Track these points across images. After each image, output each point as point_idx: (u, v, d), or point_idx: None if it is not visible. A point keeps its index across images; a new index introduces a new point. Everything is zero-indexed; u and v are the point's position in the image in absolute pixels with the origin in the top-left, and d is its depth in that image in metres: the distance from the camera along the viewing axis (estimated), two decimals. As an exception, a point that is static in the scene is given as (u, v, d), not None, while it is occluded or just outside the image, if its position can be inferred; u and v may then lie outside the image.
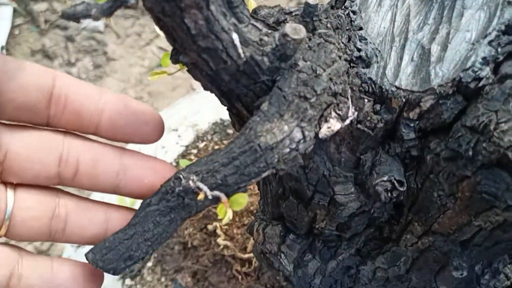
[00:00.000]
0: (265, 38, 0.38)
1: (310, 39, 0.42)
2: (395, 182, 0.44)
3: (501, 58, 0.40)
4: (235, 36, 0.36)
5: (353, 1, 0.47)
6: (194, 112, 0.95)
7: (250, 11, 0.63)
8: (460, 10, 0.43)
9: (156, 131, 0.43)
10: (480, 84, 0.39)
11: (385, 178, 0.45)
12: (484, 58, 0.39)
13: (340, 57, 0.42)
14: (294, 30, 0.37)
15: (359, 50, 0.43)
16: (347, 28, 0.44)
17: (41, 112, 0.38)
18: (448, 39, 0.42)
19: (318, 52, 0.41)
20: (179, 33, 0.35)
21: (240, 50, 0.36)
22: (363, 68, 0.43)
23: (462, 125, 0.40)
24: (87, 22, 1.84)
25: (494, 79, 0.40)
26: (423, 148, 0.45)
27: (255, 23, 0.38)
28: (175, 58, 0.38)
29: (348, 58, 0.43)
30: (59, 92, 0.39)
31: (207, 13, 0.34)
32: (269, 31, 0.39)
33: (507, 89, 0.38)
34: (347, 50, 0.43)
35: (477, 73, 0.39)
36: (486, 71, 0.39)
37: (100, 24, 1.84)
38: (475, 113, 0.39)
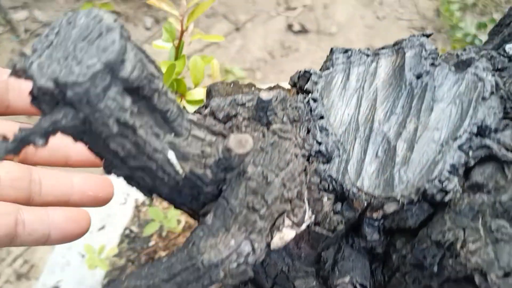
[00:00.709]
0: (208, 150, 0.34)
1: (263, 135, 0.38)
2: (357, 286, 0.41)
3: (472, 163, 0.36)
4: (171, 155, 0.32)
5: (316, 83, 0.43)
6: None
7: (216, 78, 0.59)
8: (430, 102, 0.39)
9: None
10: (447, 198, 0.35)
11: (346, 280, 0.41)
12: (452, 166, 0.36)
13: (296, 155, 0.38)
14: (239, 143, 0.33)
15: (319, 143, 0.40)
16: (307, 118, 0.40)
17: None
18: (415, 136, 0.38)
19: (272, 154, 0.37)
20: (105, 154, 0.31)
21: (178, 167, 0.33)
22: (323, 163, 0.39)
23: (428, 236, 0.36)
24: (69, 31, 1.78)
25: (463, 186, 0.36)
26: (389, 244, 0.42)
27: (197, 133, 0.34)
28: (108, 169, 0.34)
29: (307, 154, 0.39)
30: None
31: (135, 138, 0.30)
32: (213, 139, 0.35)
33: (477, 205, 0.34)
34: (306, 144, 0.39)
35: (444, 185, 0.35)
36: (454, 183, 0.35)
37: (83, 32, 1.79)
38: (441, 227, 0.35)
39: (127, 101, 0.29)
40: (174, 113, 0.33)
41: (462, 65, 0.42)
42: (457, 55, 0.48)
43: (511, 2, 2.04)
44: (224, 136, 0.36)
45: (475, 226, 0.34)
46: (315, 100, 0.41)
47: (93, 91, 0.27)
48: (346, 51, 0.45)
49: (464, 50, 0.54)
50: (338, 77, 0.43)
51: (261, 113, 0.38)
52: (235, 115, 0.39)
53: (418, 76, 0.41)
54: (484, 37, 1.78)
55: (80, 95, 0.26)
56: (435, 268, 0.36)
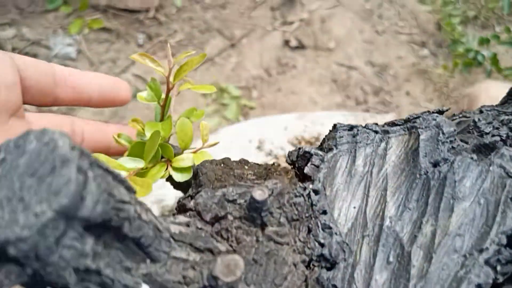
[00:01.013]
0: (190, 274, 0.29)
1: (257, 240, 0.33)
2: None
3: (500, 279, 0.31)
4: (144, 290, 0.26)
5: (317, 167, 0.37)
6: (159, 185, 0.86)
7: (205, 142, 0.53)
8: (450, 201, 0.33)
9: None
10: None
11: None
12: (479, 286, 0.30)
13: (295, 264, 0.33)
14: (227, 268, 0.28)
15: (321, 245, 0.34)
16: (307, 215, 0.35)
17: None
18: (433, 243, 0.33)
19: (266, 267, 0.32)
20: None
21: (154, 302, 0.27)
22: (326, 269, 0.34)
23: None
24: (58, 49, 1.73)
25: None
26: None
27: (178, 254, 0.29)
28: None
29: (308, 259, 0.34)
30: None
31: (100, 279, 0.24)
32: (198, 258, 0.30)
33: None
34: (306, 248, 0.34)
35: (469, 311, 0.30)
36: (482, 309, 0.30)
37: (72, 50, 1.73)
38: None
39: (88, 244, 0.23)
40: (149, 237, 0.27)
41: (484, 150, 0.37)
42: (478, 129, 0.43)
43: (513, 15, 1.99)
44: (211, 252, 0.31)
45: None
46: (316, 192, 0.36)
47: (43, 243, 0.21)
48: (351, 128, 0.40)
49: (481, 112, 0.49)
50: (342, 161, 0.38)
51: (255, 214, 0.33)
52: (225, 216, 0.33)
53: (435, 164, 0.36)
54: (486, 53, 1.73)
55: (26, 251, 0.21)
56: None
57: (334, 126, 0.40)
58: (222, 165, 0.41)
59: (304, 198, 0.35)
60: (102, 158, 0.47)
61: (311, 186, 0.36)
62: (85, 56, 1.74)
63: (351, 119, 1.02)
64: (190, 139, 0.52)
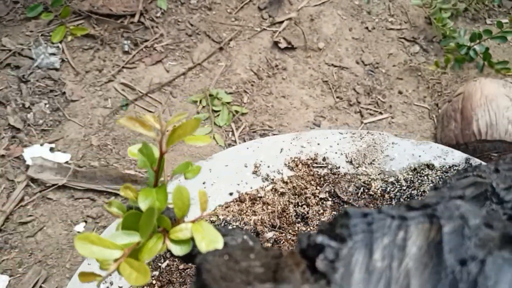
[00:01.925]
0: None
1: None
2: None
3: None
4: None
5: (332, 263, 0.34)
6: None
7: (204, 210, 0.50)
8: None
9: None
10: None
11: None
12: None
13: None
14: None
15: None
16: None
17: None
18: None
19: None
20: None
21: None
22: None
23: None
24: (41, 59, 1.67)
25: None
26: None
27: None
28: None
29: None
30: None
31: None
32: None
33: None
34: None
35: None
36: None
37: (55, 59, 1.68)
38: None
39: None
40: None
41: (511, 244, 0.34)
42: (498, 197, 0.40)
43: (504, 6, 1.96)
44: None
45: None
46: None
47: None
48: (365, 215, 0.36)
49: (497, 171, 0.46)
50: (359, 255, 0.35)
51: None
52: None
53: (462, 262, 0.33)
54: (478, 48, 1.71)
55: None
56: None
57: (347, 213, 0.37)
58: (226, 257, 0.37)
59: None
60: (93, 238, 0.44)
61: (327, 291, 0.33)
62: (69, 65, 1.69)
63: (348, 136, 0.99)
64: (187, 207, 0.49)
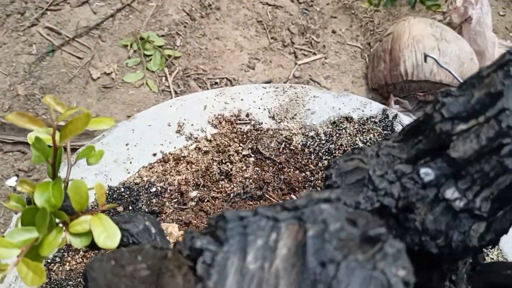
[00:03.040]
0: None
1: None
2: None
3: None
4: None
5: (210, 267, 0.37)
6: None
7: (102, 205, 0.51)
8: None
9: None
10: None
11: None
12: None
13: None
14: None
15: None
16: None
17: None
18: None
19: None
20: None
21: None
22: None
23: None
24: (-46, 3, 1.56)
25: None
26: None
27: None
28: None
29: None
30: None
31: None
32: None
33: None
34: None
35: None
36: None
37: (-29, 3, 1.57)
38: None
39: None
40: None
41: (369, 242, 0.37)
42: (373, 185, 0.43)
43: None
44: None
45: None
46: (207, 304, 0.36)
47: None
48: (241, 218, 0.39)
49: (378, 156, 0.49)
50: (234, 258, 0.38)
51: None
52: None
53: (322, 265, 0.36)
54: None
55: None
56: None
57: (223, 217, 0.39)
58: (112, 262, 0.39)
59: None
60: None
61: (200, 296, 0.36)
62: (-13, 9, 1.58)
63: (271, 91, 1.00)
64: (85, 200, 0.50)
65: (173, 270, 0.39)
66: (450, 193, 0.44)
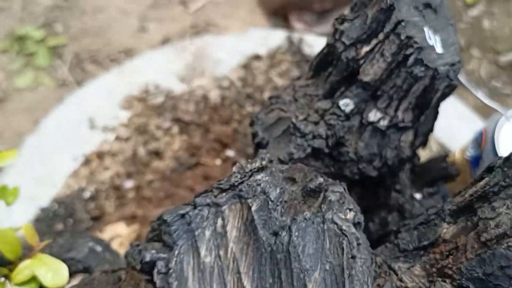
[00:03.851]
0: None
1: None
2: None
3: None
4: None
5: (166, 275, 0.36)
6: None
7: (36, 245, 0.47)
8: (300, 274, 0.34)
9: None
10: None
11: None
12: None
13: None
14: None
15: None
16: None
17: None
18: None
19: None
20: None
21: None
22: None
23: None
24: None
25: None
26: None
27: None
28: None
29: None
30: None
31: None
32: None
33: None
34: None
35: None
36: None
37: None
38: None
39: None
40: None
41: (312, 195, 0.37)
42: (299, 131, 0.42)
43: None
44: None
45: None
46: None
47: None
48: (183, 215, 0.37)
49: (296, 100, 0.48)
50: (188, 258, 0.36)
51: None
52: None
53: (275, 234, 0.35)
54: None
55: None
56: None
57: (164, 220, 0.37)
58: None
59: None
60: None
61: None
62: None
63: (172, 53, 0.95)
64: (18, 247, 0.46)
65: (130, 290, 0.37)
66: (373, 115, 0.44)
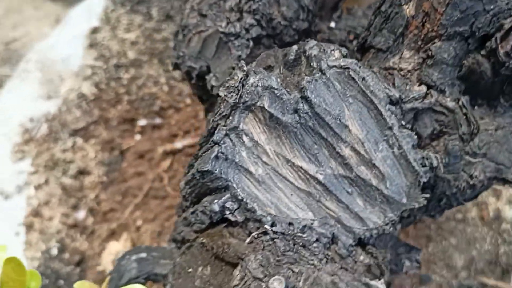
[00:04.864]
0: None
1: None
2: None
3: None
4: None
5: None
6: None
7: None
8: (335, 122, 0.38)
9: None
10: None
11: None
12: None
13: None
14: None
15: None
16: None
17: None
18: (369, 155, 0.39)
19: None
20: None
21: None
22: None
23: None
24: None
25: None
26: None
27: None
28: None
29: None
30: None
31: None
32: None
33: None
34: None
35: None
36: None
37: None
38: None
39: None
40: None
41: (296, 63, 0.40)
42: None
43: None
44: None
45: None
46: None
47: None
48: (216, 157, 0.38)
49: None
50: (246, 184, 0.38)
51: None
52: None
53: (295, 111, 0.38)
54: None
55: None
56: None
57: (205, 171, 0.38)
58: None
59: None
60: None
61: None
62: None
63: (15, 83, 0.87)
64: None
65: (224, 240, 0.38)
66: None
